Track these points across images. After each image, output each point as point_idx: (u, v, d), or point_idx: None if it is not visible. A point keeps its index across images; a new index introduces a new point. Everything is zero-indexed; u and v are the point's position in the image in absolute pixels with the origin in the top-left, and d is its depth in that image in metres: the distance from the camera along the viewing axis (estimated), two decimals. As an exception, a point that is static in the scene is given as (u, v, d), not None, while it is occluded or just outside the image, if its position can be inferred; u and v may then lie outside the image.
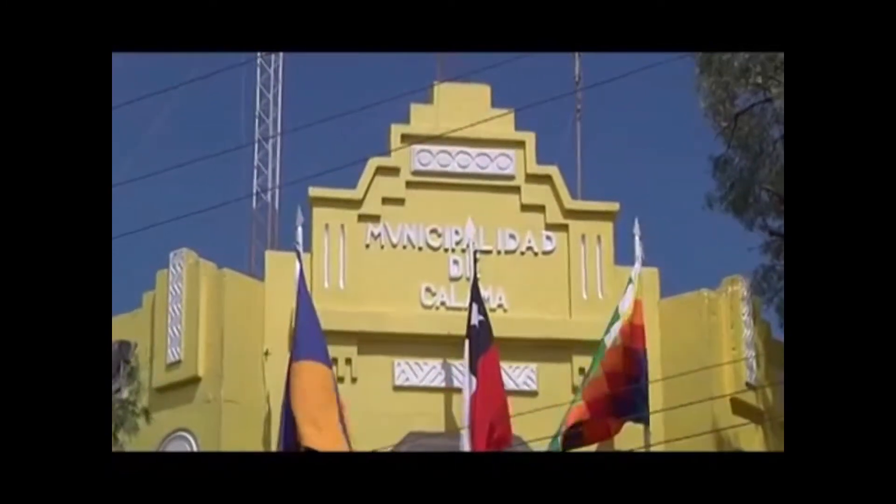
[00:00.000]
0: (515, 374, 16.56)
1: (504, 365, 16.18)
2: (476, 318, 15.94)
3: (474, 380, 15.86)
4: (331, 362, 16.06)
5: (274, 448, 16.77)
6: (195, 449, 16.45)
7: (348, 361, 16.34)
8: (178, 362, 16.36)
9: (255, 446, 16.18)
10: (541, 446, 16.12)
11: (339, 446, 16.15)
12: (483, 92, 17.58)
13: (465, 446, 15.88)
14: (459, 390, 16.42)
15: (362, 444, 15.57)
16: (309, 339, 15.97)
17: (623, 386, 16.62)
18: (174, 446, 16.26)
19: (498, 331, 15.99)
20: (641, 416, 16.23)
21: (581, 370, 16.79)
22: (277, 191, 18.68)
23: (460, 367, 16.29)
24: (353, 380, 16.35)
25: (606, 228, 17.52)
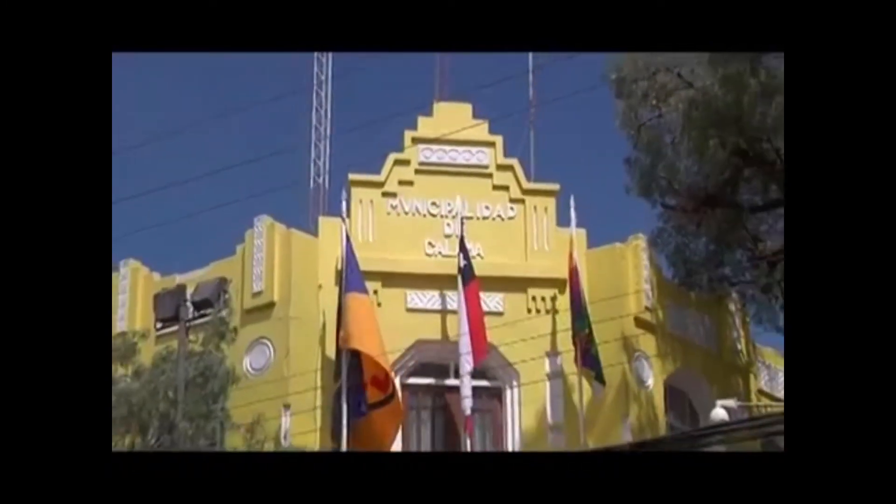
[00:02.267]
0: (488, 301, 19.34)
1: (481, 294, 18.85)
2: (462, 263, 18.75)
3: (464, 303, 18.57)
4: (367, 291, 18.43)
5: (328, 348, 18.60)
6: (272, 351, 18.78)
7: (375, 292, 19.03)
8: (260, 292, 19.13)
9: (312, 347, 18.73)
10: (506, 349, 19.14)
11: (376, 346, 18.19)
12: (466, 108, 20.76)
13: (465, 346, 18.31)
14: (452, 311, 19.01)
15: (387, 346, 18.26)
16: (353, 277, 18.39)
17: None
18: (257, 350, 18.78)
19: (477, 271, 18.81)
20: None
21: (533, 298, 19.76)
22: (327, 177, 21.53)
23: (452, 296, 18.98)
24: (379, 304, 19.00)
25: (551, 202, 20.45)
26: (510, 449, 19.62)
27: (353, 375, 18.12)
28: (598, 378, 18.95)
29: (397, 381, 19.21)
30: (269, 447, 16.47)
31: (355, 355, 17.99)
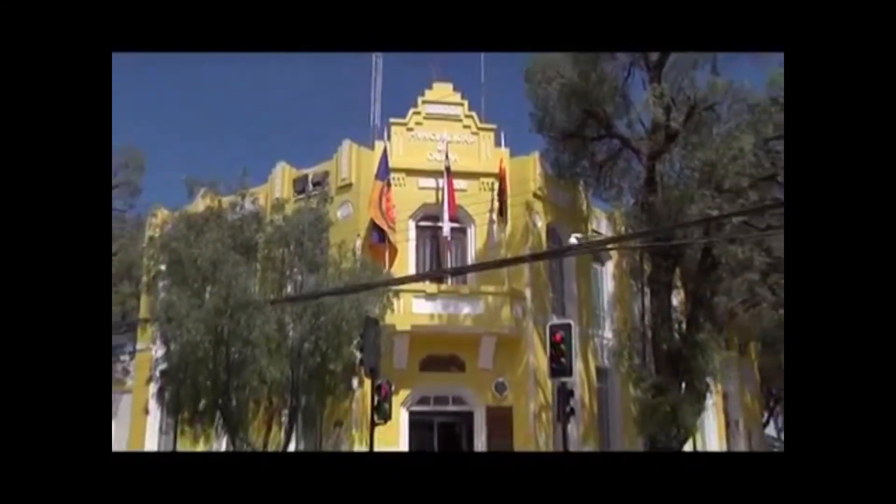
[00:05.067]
0: (459, 184, 27.10)
1: (455, 180, 26.69)
2: (446, 164, 26.66)
3: (446, 185, 26.25)
4: (390, 181, 25.77)
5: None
6: (351, 208, 26.15)
7: (401, 179, 27.05)
8: (345, 178, 27.29)
9: (364, 205, 25.95)
10: (469, 208, 26.53)
11: (377, 212, 24.94)
12: (449, 85, 28.85)
13: (446, 206, 25.71)
14: (441, 189, 26.68)
15: (405, 210, 26.27)
16: (382, 172, 25.85)
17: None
18: (344, 207, 26.04)
19: (453, 168, 26.60)
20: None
21: (482, 183, 27.21)
22: (379, 121, 28.84)
23: (441, 181, 26.76)
24: (402, 185, 26.87)
25: (492, 135, 28.60)
26: (470, 253, 26.93)
27: (378, 224, 25.83)
28: (504, 222, 27.17)
29: (412, 225, 27.05)
30: (349, 256, 22.57)
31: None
